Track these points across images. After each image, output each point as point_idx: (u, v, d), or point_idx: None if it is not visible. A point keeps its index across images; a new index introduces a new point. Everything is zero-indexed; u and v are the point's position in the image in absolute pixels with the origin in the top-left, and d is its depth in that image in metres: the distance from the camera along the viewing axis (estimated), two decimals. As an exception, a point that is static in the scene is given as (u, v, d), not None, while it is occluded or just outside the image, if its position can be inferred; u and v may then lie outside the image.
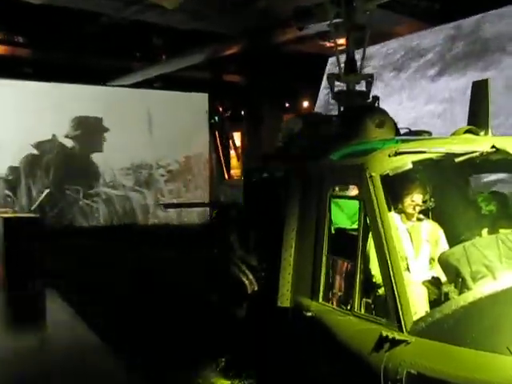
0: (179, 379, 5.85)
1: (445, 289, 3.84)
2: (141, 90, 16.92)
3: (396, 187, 4.56)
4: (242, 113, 18.06)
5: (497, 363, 3.17)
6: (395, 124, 5.36)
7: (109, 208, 16.11)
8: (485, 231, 4.67)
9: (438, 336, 3.46)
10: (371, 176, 4.05)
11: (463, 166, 4.33)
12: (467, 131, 4.67)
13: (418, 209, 4.63)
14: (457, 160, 4.09)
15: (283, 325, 4.80)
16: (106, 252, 12.08)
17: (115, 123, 16.33)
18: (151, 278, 10.00)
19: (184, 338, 6.70)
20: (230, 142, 15.42)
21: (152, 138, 16.69)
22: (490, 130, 4.81)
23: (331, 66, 14.82)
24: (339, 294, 4.52)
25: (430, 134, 5.33)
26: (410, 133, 5.47)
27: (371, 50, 13.81)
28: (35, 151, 15.74)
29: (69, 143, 16.18)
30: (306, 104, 18.00)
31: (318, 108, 15.68)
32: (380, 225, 3.92)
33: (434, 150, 4.14)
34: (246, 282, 5.54)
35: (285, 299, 4.79)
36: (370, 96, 5.79)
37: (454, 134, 4.77)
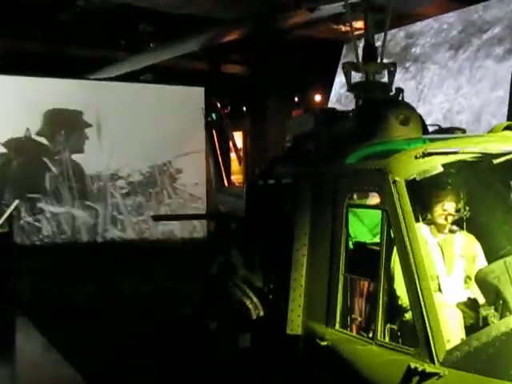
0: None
1: (483, 312, 3.83)
2: (125, 84, 16.94)
3: (424, 194, 4.57)
4: (244, 109, 18.10)
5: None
6: (422, 120, 5.36)
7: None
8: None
9: (476, 368, 3.44)
10: (395, 181, 4.04)
11: (503, 169, 4.32)
12: (507, 128, 4.66)
13: (450, 219, 4.62)
14: (495, 161, 4.08)
15: (293, 355, 4.79)
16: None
17: (93, 122, 16.35)
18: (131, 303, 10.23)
19: (175, 372, 6.70)
20: (230, 143, 15.33)
21: (135, 140, 16.68)
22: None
23: (347, 53, 14.87)
24: (359, 319, 4.52)
25: (463, 131, 5.33)
26: (440, 130, 5.48)
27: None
28: (4, 150, 15.80)
29: (41, 142, 16.12)
30: (317, 98, 18.03)
31: (331, 103, 15.72)
32: (406, 238, 3.91)
33: (468, 150, 4.13)
34: (250, 306, 5.54)
35: (295, 326, 4.78)
36: (393, 88, 5.80)
37: (491, 131, 4.77)
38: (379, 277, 4.14)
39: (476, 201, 4.79)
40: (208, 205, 15.70)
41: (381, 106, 5.28)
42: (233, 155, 16.81)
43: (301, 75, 16.63)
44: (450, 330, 3.85)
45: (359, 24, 6.13)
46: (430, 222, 4.65)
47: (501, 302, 3.76)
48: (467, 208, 4.65)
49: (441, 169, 4.04)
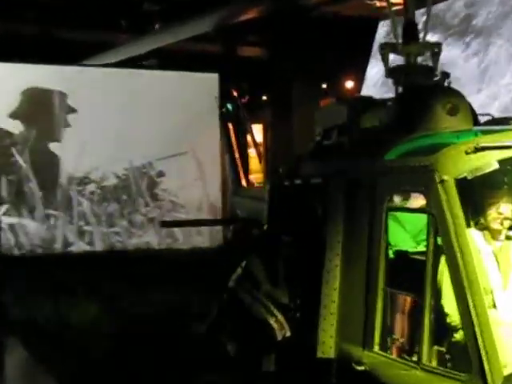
0: None
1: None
2: (126, 70, 16.96)
3: (476, 195, 4.55)
4: (265, 98, 18.11)
5: None
6: (473, 110, 5.35)
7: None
8: None
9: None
10: (442, 180, 4.04)
11: None
12: None
13: (506, 224, 4.60)
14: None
15: (325, 382, 4.80)
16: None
17: (85, 112, 16.20)
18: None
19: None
20: (249, 137, 15.30)
21: (139, 134, 16.67)
22: None
23: (384, 32, 14.84)
24: (401, 340, 4.51)
25: (522, 121, 5.30)
26: (494, 121, 5.45)
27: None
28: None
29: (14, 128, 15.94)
30: (349, 85, 18.00)
31: (366, 90, 15.70)
32: (456, 246, 3.91)
33: (527, 143, 4.12)
34: (275, 325, 5.56)
35: (327, 348, 4.79)
36: (438, 72, 5.79)
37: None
38: (424, 291, 4.13)
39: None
40: (223, 209, 15.72)
41: (425, 93, 5.28)
42: (252, 151, 16.82)
43: (329, 59, 16.59)
44: (508, 353, 3.84)
45: (398, -2, 6.13)
46: (484, 228, 4.63)
47: None
48: (526, 211, 4.63)
49: (496, 165, 4.03)
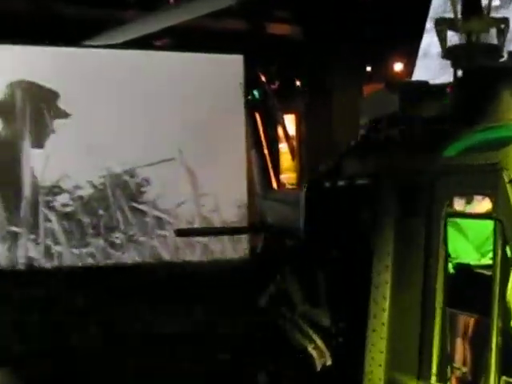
0: None
1: None
2: (135, 52, 16.98)
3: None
4: (298, 84, 18.13)
5: None
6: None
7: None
8: None
9: None
10: (512, 180, 4.04)
11: None
12: None
13: None
14: None
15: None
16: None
17: (81, 102, 16.18)
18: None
19: None
20: (280, 129, 15.35)
21: (146, 128, 16.67)
22: None
23: (439, 5, 14.76)
24: (463, 369, 4.50)
25: None
26: None
27: None
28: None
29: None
30: (398, 67, 17.97)
31: (418, 74, 15.62)
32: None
33: None
34: (313, 352, 5.58)
35: (376, 379, 4.80)
36: (505, 52, 5.77)
37: None
38: (491, 311, 4.12)
39: None
40: (250, 214, 15.71)
41: (489, 77, 5.26)
42: (283, 146, 16.84)
43: (373, 36, 16.56)
44: None
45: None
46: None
47: None
48: None
49: None
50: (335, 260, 5.82)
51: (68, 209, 15.70)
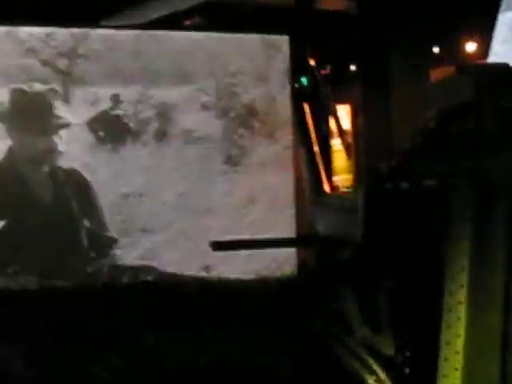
0: None
1: None
2: (159, 33, 17.04)
3: None
4: (353, 69, 18.13)
5: None
6: None
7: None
8: None
9: None
10: None
11: None
12: None
13: None
14: None
15: None
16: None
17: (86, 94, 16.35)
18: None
19: None
20: (333, 123, 15.47)
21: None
22: None
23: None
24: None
25: None
26: None
27: None
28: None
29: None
30: (470, 47, 17.90)
31: (495, 54, 15.51)
32: None
33: None
34: (375, 386, 5.57)
35: (451, 418, 4.77)
36: None
37: None
38: None
39: None
40: (298, 224, 15.70)
41: None
42: (336, 142, 16.89)
43: (441, 11, 16.51)
44: None
45: None
46: None
47: None
48: None
49: None
50: (400, 277, 5.80)
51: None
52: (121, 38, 16.30)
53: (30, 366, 11.02)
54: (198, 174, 16.42)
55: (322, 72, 17.71)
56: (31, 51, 15.62)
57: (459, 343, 4.87)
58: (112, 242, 16.08)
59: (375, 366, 5.64)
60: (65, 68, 15.62)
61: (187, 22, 17.65)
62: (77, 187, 15.87)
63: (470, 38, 17.75)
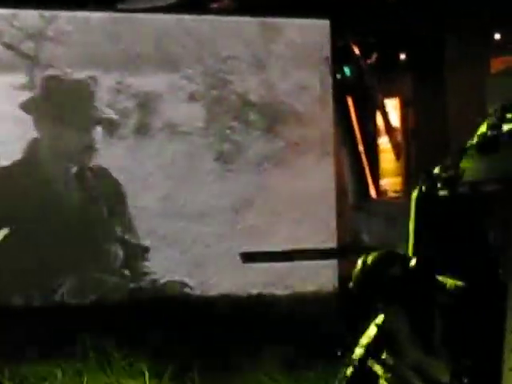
0: None
1: None
2: (182, 17, 16.99)
3: None
4: (403, 58, 18.12)
5: None
6: None
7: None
8: None
9: None
10: None
11: None
12: None
13: None
14: None
15: None
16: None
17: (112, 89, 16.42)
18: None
19: None
20: (380, 119, 15.49)
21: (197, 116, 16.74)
22: None
23: None
24: None
25: None
26: None
27: None
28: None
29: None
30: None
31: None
32: None
33: None
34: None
35: None
36: None
37: None
38: None
39: None
40: (340, 232, 15.64)
41: None
42: (383, 141, 16.84)
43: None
44: None
45: None
46: None
47: None
48: None
49: None
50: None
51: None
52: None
53: None
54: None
55: (368, 61, 17.70)
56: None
57: (523, 373, 4.92)
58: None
59: (429, 395, 5.67)
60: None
61: (214, 5, 17.70)
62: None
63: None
